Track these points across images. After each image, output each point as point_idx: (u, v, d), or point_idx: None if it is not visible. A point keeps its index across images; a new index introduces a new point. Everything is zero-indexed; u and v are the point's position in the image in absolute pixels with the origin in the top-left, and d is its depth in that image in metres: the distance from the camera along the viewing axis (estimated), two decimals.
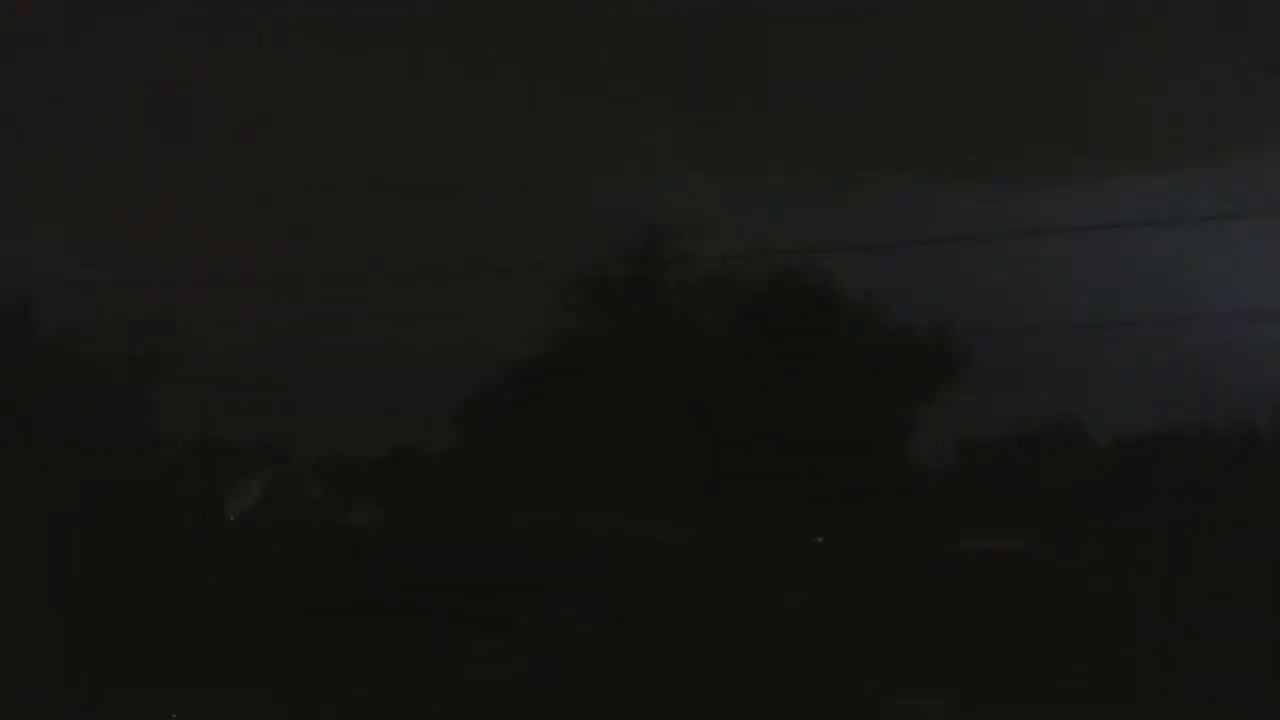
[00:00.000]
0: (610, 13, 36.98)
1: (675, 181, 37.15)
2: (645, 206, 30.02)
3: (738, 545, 28.72)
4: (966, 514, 28.90)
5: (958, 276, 29.98)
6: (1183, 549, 26.70)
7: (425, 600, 28.00)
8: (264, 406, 31.49)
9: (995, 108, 38.60)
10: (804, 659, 26.56)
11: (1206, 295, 30.95)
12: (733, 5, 36.96)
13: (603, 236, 29.74)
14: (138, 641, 26.98)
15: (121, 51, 37.34)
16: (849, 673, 26.43)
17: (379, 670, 27.02)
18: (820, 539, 29.62)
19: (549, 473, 29.26)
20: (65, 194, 35.91)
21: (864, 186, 38.01)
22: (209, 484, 32.34)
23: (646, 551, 28.67)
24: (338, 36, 37.37)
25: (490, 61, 38.09)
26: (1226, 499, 27.33)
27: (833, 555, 29.12)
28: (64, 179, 35.75)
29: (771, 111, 38.57)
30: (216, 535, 31.38)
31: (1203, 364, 29.80)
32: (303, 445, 32.00)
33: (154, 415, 31.27)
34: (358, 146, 38.80)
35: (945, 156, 38.74)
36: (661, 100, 38.98)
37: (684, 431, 28.62)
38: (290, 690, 26.25)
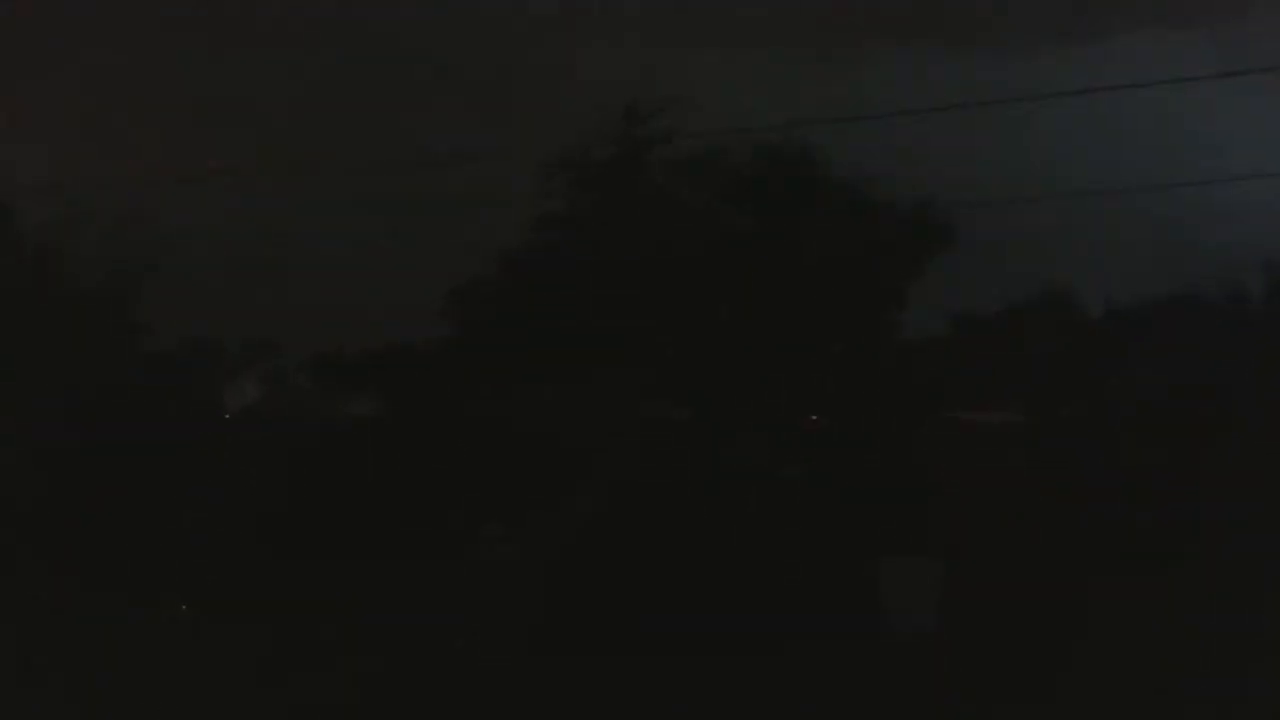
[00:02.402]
0: None
1: (656, 54, 36.35)
2: (627, 82, 29.27)
3: (734, 423, 28.77)
4: (958, 386, 28.91)
5: (946, 147, 29.64)
6: (1175, 416, 26.76)
7: (427, 489, 28.03)
8: (251, 303, 31.31)
9: None
10: (799, 532, 26.69)
11: (1199, 158, 30.62)
12: None
13: (583, 115, 29.30)
14: (133, 541, 27.12)
15: None
16: (841, 544, 26.62)
17: (384, 558, 27.14)
18: (814, 415, 29.69)
19: (543, 359, 29.18)
20: (37, 91, 35.25)
21: (849, 56, 37.31)
22: (202, 381, 32.27)
23: (644, 432, 28.74)
24: None
25: None
26: (1221, 365, 27.32)
27: (827, 430, 29.22)
28: (35, 76, 35.07)
29: None
30: (212, 431, 31.45)
31: (1195, 228, 29.66)
32: (293, 341, 31.89)
33: (141, 314, 31.03)
34: (328, 29, 37.86)
35: (932, 23, 38.02)
36: None
37: (676, 312, 28.49)
38: (294, 581, 26.55)
